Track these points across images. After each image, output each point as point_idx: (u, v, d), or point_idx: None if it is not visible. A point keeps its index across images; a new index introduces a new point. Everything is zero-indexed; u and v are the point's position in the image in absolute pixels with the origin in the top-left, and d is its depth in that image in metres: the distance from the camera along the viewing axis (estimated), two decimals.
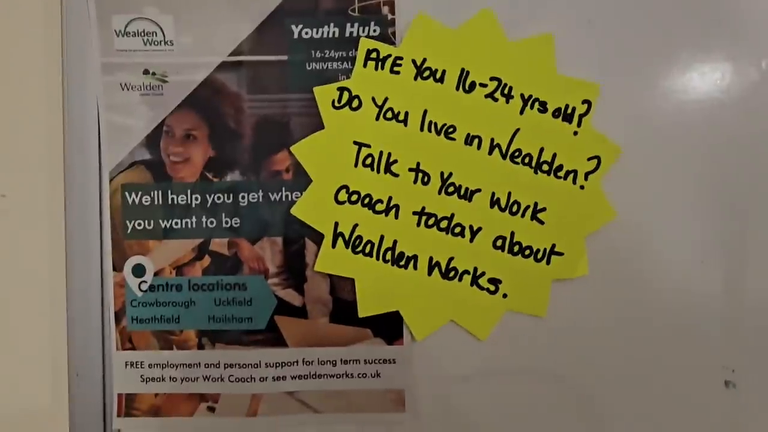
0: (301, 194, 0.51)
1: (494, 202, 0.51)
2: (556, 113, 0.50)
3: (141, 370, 0.52)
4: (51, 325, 0.54)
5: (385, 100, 0.50)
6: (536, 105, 0.50)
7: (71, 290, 0.52)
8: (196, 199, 0.51)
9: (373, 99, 0.50)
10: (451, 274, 0.51)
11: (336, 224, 0.51)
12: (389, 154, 0.50)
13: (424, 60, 0.50)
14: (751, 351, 0.51)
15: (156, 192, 0.51)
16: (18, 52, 0.54)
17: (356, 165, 0.50)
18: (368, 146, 0.50)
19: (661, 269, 0.51)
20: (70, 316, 0.52)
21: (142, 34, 0.50)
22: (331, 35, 0.50)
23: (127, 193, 0.51)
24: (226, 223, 0.51)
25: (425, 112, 0.50)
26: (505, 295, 0.51)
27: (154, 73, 0.51)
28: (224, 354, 0.52)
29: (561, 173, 0.50)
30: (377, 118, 0.50)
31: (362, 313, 0.51)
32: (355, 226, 0.51)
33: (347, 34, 0.50)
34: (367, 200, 0.51)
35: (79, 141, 0.51)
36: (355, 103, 0.50)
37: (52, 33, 0.51)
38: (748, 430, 0.52)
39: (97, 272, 0.52)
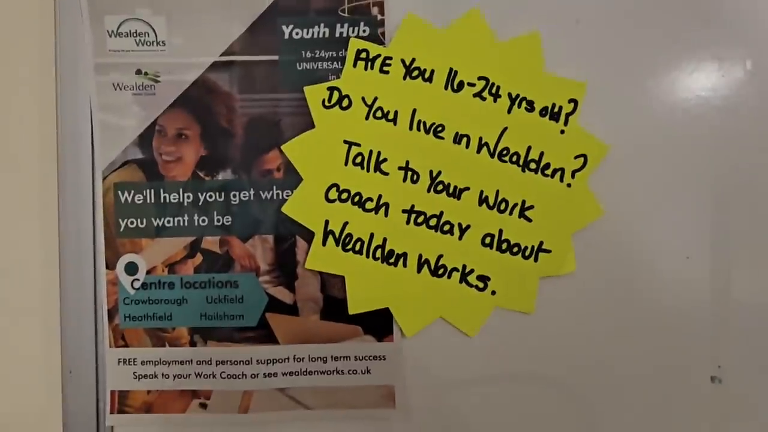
0: (292, 193, 0.51)
1: (482, 200, 0.51)
2: (543, 112, 0.51)
3: (134, 368, 0.52)
4: (44, 323, 0.54)
5: (375, 99, 0.51)
6: (523, 104, 0.50)
7: (64, 288, 0.52)
8: (188, 197, 0.52)
9: (363, 98, 0.51)
10: (440, 271, 0.51)
11: (326, 222, 0.51)
12: (379, 153, 0.51)
13: (413, 60, 0.50)
14: (737, 346, 0.52)
15: (148, 191, 0.52)
16: (11, 52, 0.54)
17: (346, 164, 0.51)
18: (358, 145, 0.51)
19: (647, 265, 0.52)
20: (64, 313, 0.52)
21: (135, 34, 0.51)
22: (321, 35, 0.51)
23: (119, 192, 0.52)
24: (218, 221, 0.52)
25: (414, 111, 0.51)
26: (493, 292, 0.51)
27: (146, 73, 0.51)
28: (216, 351, 0.52)
29: (548, 171, 0.51)
30: (367, 118, 0.51)
31: (352, 310, 0.51)
32: (345, 224, 0.51)
33: (337, 35, 0.51)
34: (357, 198, 0.51)
35: (72, 140, 0.51)
36: (345, 103, 0.51)
37: (45, 33, 0.52)
38: (734, 425, 0.53)
39: (90, 270, 0.52)
